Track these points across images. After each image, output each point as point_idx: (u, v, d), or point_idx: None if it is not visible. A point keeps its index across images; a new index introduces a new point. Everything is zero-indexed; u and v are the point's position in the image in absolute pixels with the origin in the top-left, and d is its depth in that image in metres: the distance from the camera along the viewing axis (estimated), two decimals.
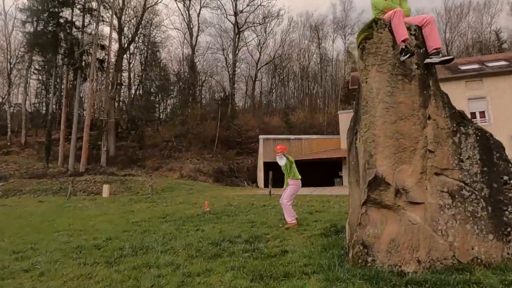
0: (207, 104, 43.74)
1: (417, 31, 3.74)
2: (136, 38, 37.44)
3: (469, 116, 4.86)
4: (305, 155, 25.07)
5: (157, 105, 40.45)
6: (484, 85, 20.62)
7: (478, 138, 3.53)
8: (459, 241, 3.27)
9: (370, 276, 3.09)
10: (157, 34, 40.87)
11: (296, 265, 3.70)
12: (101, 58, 30.18)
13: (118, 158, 28.93)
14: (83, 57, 29.16)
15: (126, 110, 36.69)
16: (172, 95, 42.47)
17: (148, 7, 36.31)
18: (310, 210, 8.06)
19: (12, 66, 36.03)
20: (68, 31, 28.92)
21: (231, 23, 42.42)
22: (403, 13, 3.70)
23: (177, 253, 4.58)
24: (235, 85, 42.79)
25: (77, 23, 30.25)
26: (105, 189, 18.53)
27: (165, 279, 3.56)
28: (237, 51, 42.21)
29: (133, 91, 40.20)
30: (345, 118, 23.95)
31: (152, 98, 39.15)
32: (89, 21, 30.60)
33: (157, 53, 40.69)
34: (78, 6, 30.11)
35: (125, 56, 36.81)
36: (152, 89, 39.88)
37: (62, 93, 32.36)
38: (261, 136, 27.90)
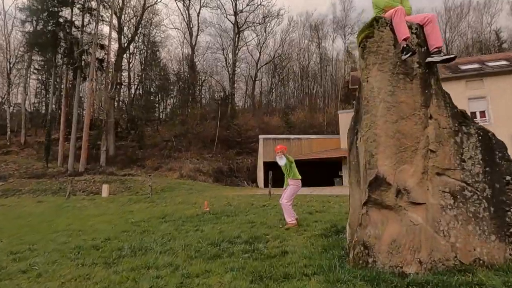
0: (207, 104, 43.70)
1: (419, 30, 3.71)
2: (136, 38, 37.41)
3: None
4: (305, 155, 25.03)
5: (156, 105, 40.39)
6: (484, 84, 20.61)
7: (480, 138, 3.49)
8: (461, 242, 3.24)
9: (371, 277, 3.06)
10: (156, 34, 40.87)
11: (296, 266, 3.67)
12: (101, 57, 30.15)
13: (117, 158, 28.88)
14: (83, 56, 29.10)
15: (126, 110, 36.64)
16: (172, 95, 42.41)
17: (148, 7, 36.30)
18: (310, 210, 8.01)
19: (11, 65, 36.00)
20: (67, 30, 28.90)
21: (231, 22, 42.45)
22: (404, 11, 3.67)
23: (176, 254, 4.55)
24: (235, 85, 42.76)
25: (76, 22, 30.28)
26: (105, 189, 18.50)
27: (164, 280, 3.53)
28: (237, 51, 42.16)
29: (132, 91, 40.21)
30: (345, 118, 23.91)
31: (151, 98, 39.07)
32: (89, 20, 30.60)
33: (157, 52, 40.63)
34: (77, 6, 30.07)
35: (124, 55, 36.76)
36: (152, 89, 39.80)
37: (61, 93, 32.31)
38: (261, 136, 27.85)
